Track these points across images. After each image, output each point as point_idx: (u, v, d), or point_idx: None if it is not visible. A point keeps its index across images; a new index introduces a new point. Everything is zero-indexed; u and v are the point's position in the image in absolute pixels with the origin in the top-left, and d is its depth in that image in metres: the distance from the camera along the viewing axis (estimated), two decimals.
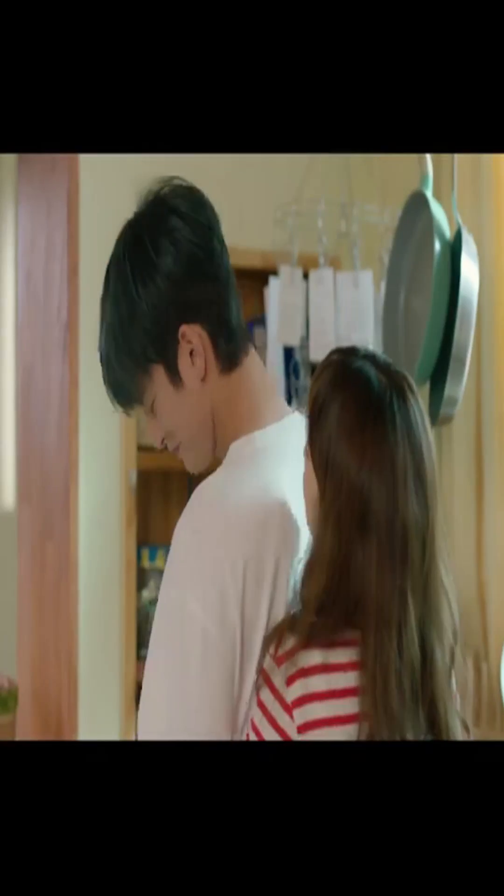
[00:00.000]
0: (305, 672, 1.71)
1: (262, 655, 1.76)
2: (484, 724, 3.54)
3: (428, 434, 1.77)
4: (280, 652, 1.72)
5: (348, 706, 1.71)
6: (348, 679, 1.71)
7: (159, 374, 1.96)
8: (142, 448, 3.94)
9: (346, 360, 1.79)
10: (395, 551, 1.72)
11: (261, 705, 1.75)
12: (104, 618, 3.86)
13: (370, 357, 1.79)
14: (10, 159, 4.92)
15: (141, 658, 3.86)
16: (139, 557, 3.95)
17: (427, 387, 2.92)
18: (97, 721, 3.82)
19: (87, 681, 3.82)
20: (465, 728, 1.81)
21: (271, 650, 1.73)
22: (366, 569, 1.72)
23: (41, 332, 3.97)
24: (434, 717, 1.76)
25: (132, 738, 3.82)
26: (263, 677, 1.74)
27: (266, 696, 1.74)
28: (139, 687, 3.76)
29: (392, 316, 3.13)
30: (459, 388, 2.82)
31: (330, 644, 1.72)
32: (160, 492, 4.07)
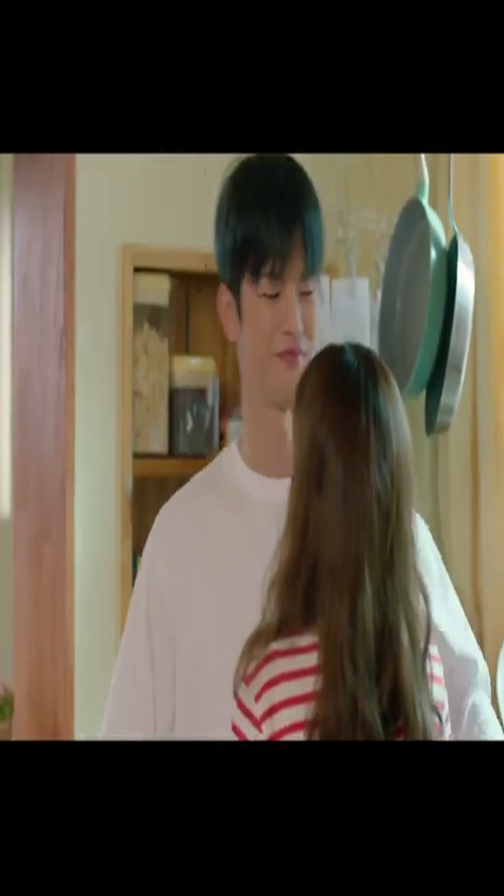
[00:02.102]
0: (276, 680, 1.79)
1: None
2: None
3: (399, 422, 1.85)
4: (251, 667, 1.81)
5: (308, 686, 1.78)
6: (310, 681, 1.78)
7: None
8: (138, 455, 3.93)
9: (332, 345, 1.92)
10: (351, 515, 1.77)
11: (234, 729, 1.83)
12: (100, 623, 3.86)
13: (355, 345, 1.91)
14: (6, 165, 4.92)
15: None
16: (135, 564, 3.94)
17: (423, 395, 2.92)
18: (93, 726, 3.81)
19: (83, 686, 3.82)
20: (438, 717, 1.83)
21: (240, 671, 1.81)
22: (321, 527, 1.79)
23: (37, 338, 3.97)
24: (398, 701, 1.79)
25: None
26: (236, 700, 1.82)
27: (238, 718, 1.82)
28: None
29: (388, 324, 3.13)
30: (455, 396, 2.83)
31: (295, 649, 1.80)
32: (156, 499, 4.06)
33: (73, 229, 3.83)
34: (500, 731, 2.20)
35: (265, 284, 2.02)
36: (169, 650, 2.04)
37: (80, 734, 3.77)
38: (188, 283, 4.16)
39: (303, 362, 2.00)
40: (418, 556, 1.87)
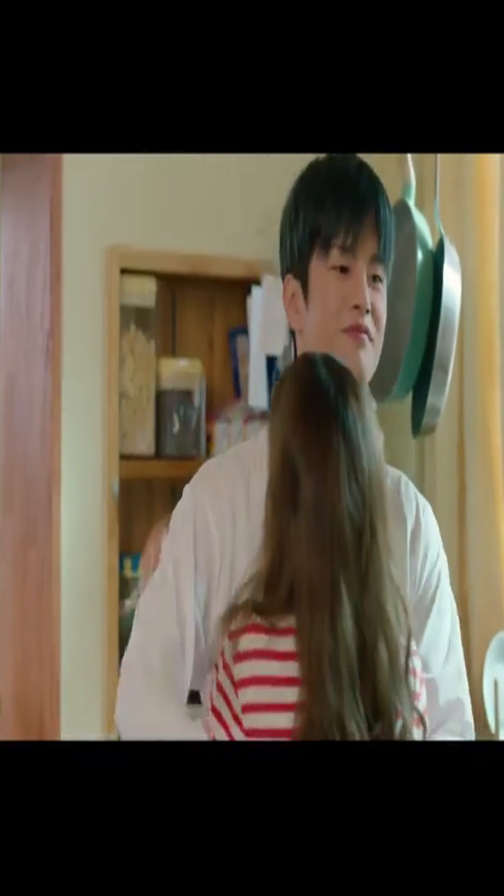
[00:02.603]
0: (249, 655, 1.81)
1: (219, 634, 1.88)
2: None
3: (370, 439, 1.87)
4: (232, 628, 1.84)
5: (288, 695, 1.78)
6: (289, 668, 1.79)
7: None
8: (124, 457, 3.93)
9: (306, 356, 1.94)
10: (324, 535, 1.80)
11: (218, 686, 1.86)
12: (86, 626, 3.85)
13: (328, 359, 1.93)
14: None
15: None
16: (122, 567, 3.94)
17: (409, 397, 2.92)
18: (79, 729, 3.81)
19: (69, 689, 3.81)
20: (423, 725, 1.83)
21: (225, 627, 1.85)
22: (297, 547, 1.81)
23: (24, 341, 3.96)
24: (380, 709, 1.80)
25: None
26: (220, 655, 1.86)
27: (221, 675, 1.85)
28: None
29: None
30: (442, 397, 2.83)
31: (273, 629, 1.81)
32: (143, 501, 4.07)
33: (59, 231, 3.82)
34: None
35: (336, 256, 2.02)
36: (205, 590, 2.01)
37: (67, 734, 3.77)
38: (175, 285, 4.16)
39: (370, 345, 2.02)
40: (405, 569, 1.91)
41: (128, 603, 3.97)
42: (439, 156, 3.12)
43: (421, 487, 3.94)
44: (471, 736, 2.05)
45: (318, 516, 1.81)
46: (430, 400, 2.82)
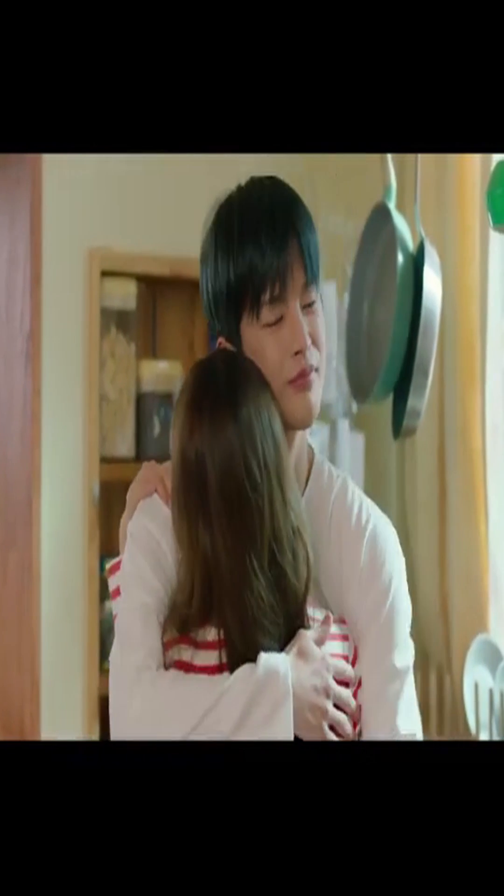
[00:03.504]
0: (178, 665, 1.84)
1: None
2: (447, 734, 3.55)
3: (264, 421, 1.87)
4: (165, 639, 1.86)
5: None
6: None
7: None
8: (105, 459, 3.93)
9: (200, 359, 1.98)
10: (238, 538, 1.83)
11: None
12: (67, 629, 3.85)
13: (223, 352, 1.97)
14: None
15: (104, 670, 3.84)
16: (102, 569, 3.93)
17: (390, 399, 2.93)
18: (60, 732, 3.80)
19: (49, 692, 3.81)
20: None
21: (164, 636, 1.87)
22: (211, 553, 1.84)
23: (4, 343, 3.95)
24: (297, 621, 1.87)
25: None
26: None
27: None
28: (102, 699, 3.75)
29: (355, 328, 3.14)
30: (422, 400, 2.83)
31: (194, 644, 1.85)
32: (123, 504, 4.06)
33: (39, 234, 3.82)
34: None
35: (266, 314, 1.94)
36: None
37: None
38: (155, 288, 4.16)
39: (316, 379, 1.96)
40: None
41: (108, 605, 3.97)
42: (420, 158, 3.12)
43: (402, 489, 3.97)
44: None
45: (232, 526, 1.83)
46: (411, 402, 2.82)
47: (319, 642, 1.88)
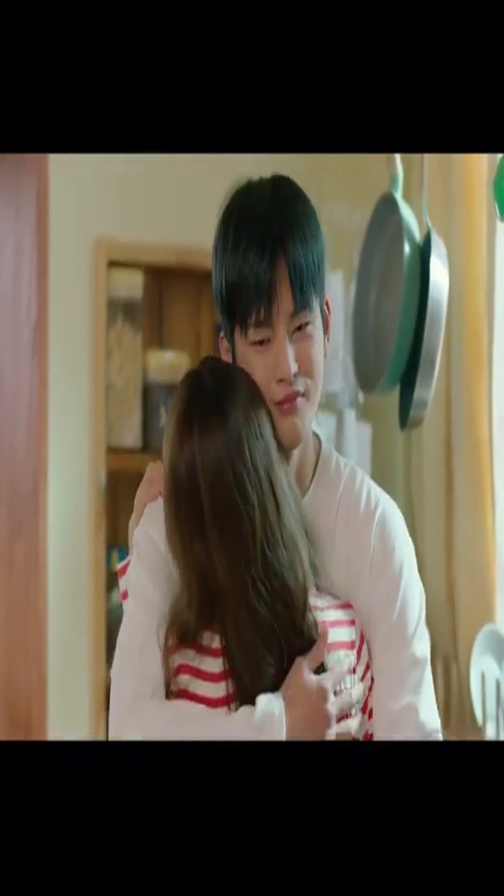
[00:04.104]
0: (181, 669, 1.84)
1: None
2: (453, 726, 3.54)
3: (253, 428, 1.85)
4: (171, 643, 1.85)
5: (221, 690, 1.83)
6: (220, 690, 1.83)
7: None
8: (111, 449, 3.93)
9: (188, 370, 1.94)
10: (234, 550, 1.82)
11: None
12: (73, 619, 3.85)
13: (211, 363, 1.94)
14: None
15: (110, 659, 3.84)
16: (109, 559, 3.94)
17: (397, 390, 2.92)
18: (66, 722, 3.81)
19: (56, 682, 3.81)
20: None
21: (168, 641, 1.85)
22: (210, 568, 1.83)
23: (10, 334, 3.95)
24: (299, 628, 1.85)
25: (101, 737, 3.81)
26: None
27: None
28: (108, 688, 3.75)
29: (362, 318, 3.13)
30: (429, 390, 2.82)
31: (200, 649, 1.84)
32: (130, 493, 4.05)
33: (45, 224, 3.82)
34: None
35: (253, 334, 1.90)
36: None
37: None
38: (162, 278, 4.16)
39: (304, 403, 1.92)
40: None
41: (115, 596, 3.97)
42: None
43: (408, 480, 3.96)
44: (433, 738, 2.00)
45: (227, 539, 1.82)
46: (418, 392, 2.82)
47: (315, 664, 1.86)
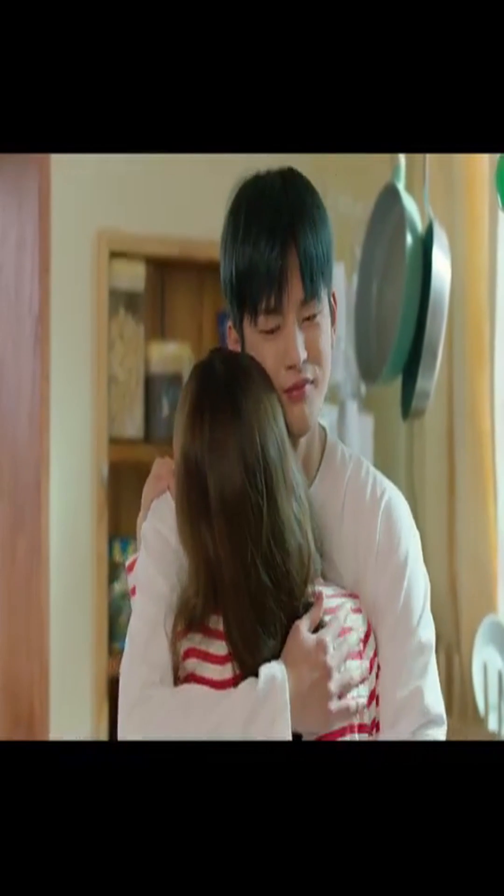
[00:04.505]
0: (188, 654, 1.86)
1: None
2: (456, 715, 3.55)
3: (264, 418, 1.87)
4: (179, 629, 1.87)
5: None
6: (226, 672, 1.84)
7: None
8: (114, 440, 3.93)
9: (199, 361, 1.96)
10: (240, 538, 1.84)
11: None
12: (75, 611, 3.85)
13: (221, 352, 1.96)
14: None
15: (112, 652, 3.85)
16: (111, 550, 3.94)
17: (399, 380, 2.92)
18: (68, 714, 3.81)
19: (58, 674, 3.81)
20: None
21: (177, 627, 1.88)
22: (216, 553, 1.85)
23: (13, 326, 3.95)
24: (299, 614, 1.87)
25: (103, 730, 3.82)
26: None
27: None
28: (111, 680, 3.75)
29: (364, 309, 3.13)
30: (431, 381, 2.82)
31: (207, 632, 1.86)
32: (132, 485, 4.06)
33: (48, 215, 3.81)
34: None
35: (263, 322, 1.93)
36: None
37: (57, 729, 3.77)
38: (164, 269, 4.15)
39: (312, 391, 1.95)
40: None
41: (117, 587, 3.98)
42: None
43: (410, 470, 3.96)
44: (436, 723, 2.00)
45: (233, 527, 1.84)
46: (420, 383, 2.81)
47: (313, 625, 1.88)
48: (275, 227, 1.91)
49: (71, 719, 3.80)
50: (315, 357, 1.94)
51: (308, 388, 1.94)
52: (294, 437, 1.95)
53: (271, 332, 1.93)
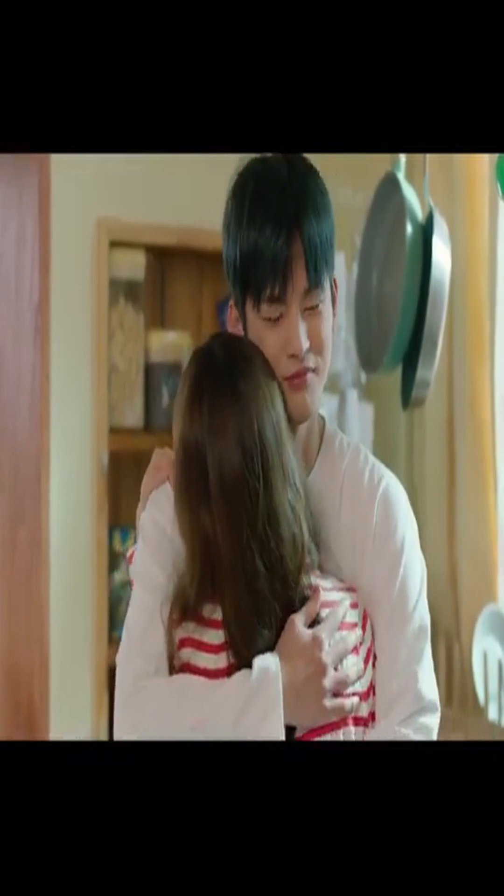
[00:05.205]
0: (183, 643, 1.87)
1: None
2: (456, 705, 3.55)
3: (262, 403, 1.87)
4: (175, 617, 1.88)
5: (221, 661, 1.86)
6: (220, 661, 1.85)
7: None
8: (114, 430, 3.93)
9: (199, 346, 1.96)
10: (237, 522, 1.84)
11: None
12: (76, 601, 3.86)
13: (221, 337, 1.96)
14: None
15: (113, 640, 3.85)
16: (111, 540, 3.94)
17: (399, 370, 2.92)
18: (69, 704, 3.82)
19: (58, 664, 3.82)
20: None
21: (171, 616, 1.88)
22: (214, 539, 1.85)
23: (12, 317, 3.95)
24: (293, 602, 1.88)
25: (103, 720, 3.82)
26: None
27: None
28: (111, 670, 3.76)
29: (364, 298, 3.13)
30: (431, 370, 2.82)
31: (201, 621, 1.86)
32: (132, 474, 4.07)
33: (48, 206, 3.81)
34: None
35: (266, 309, 1.93)
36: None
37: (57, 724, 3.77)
38: (163, 258, 4.15)
39: (314, 378, 1.96)
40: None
41: (117, 576, 3.98)
42: None
43: (410, 460, 3.96)
44: (430, 710, 2.00)
45: (231, 511, 1.84)
46: (420, 373, 2.81)
47: (309, 620, 1.88)
48: (281, 213, 1.91)
49: (71, 708, 3.81)
50: (317, 346, 1.95)
51: (310, 375, 1.95)
52: (294, 423, 1.95)
53: (274, 320, 1.93)
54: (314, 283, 1.93)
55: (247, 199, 1.95)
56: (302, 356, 1.93)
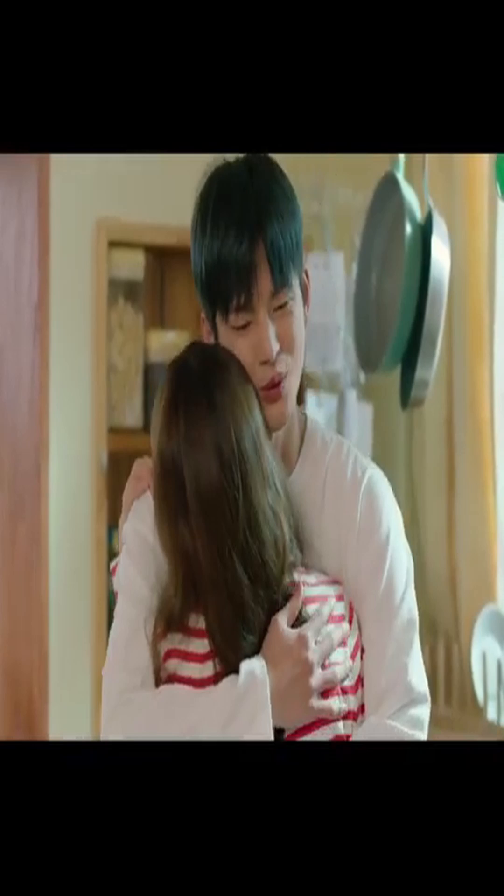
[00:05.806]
0: (169, 654, 1.86)
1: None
2: (455, 705, 3.55)
3: (238, 411, 1.86)
4: (159, 630, 1.86)
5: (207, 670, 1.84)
6: (204, 669, 1.84)
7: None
8: (113, 430, 3.93)
9: (176, 357, 1.95)
10: (217, 533, 1.83)
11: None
12: (75, 599, 3.86)
13: (197, 347, 1.95)
14: None
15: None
16: (110, 538, 3.94)
17: (398, 370, 2.92)
18: (68, 700, 3.82)
19: (57, 662, 3.82)
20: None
21: (157, 629, 1.87)
22: (194, 552, 1.84)
23: (12, 314, 3.95)
24: (277, 606, 1.86)
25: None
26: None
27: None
28: None
29: (363, 298, 3.13)
30: (430, 370, 2.82)
31: (187, 631, 1.85)
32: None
33: (47, 205, 3.81)
34: None
35: (234, 318, 1.91)
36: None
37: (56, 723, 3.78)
38: (163, 258, 4.15)
39: (287, 385, 1.93)
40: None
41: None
42: None
43: (409, 460, 3.96)
44: (420, 702, 1.99)
45: (210, 522, 1.83)
46: (419, 372, 2.82)
47: (292, 618, 1.87)
48: (241, 222, 1.90)
49: (70, 705, 3.81)
50: (288, 346, 1.93)
51: (283, 385, 1.93)
52: (271, 430, 1.94)
53: (243, 327, 1.92)
54: (280, 285, 1.91)
55: (209, 207, 1.95)
56: (273, 361, 1.92)
